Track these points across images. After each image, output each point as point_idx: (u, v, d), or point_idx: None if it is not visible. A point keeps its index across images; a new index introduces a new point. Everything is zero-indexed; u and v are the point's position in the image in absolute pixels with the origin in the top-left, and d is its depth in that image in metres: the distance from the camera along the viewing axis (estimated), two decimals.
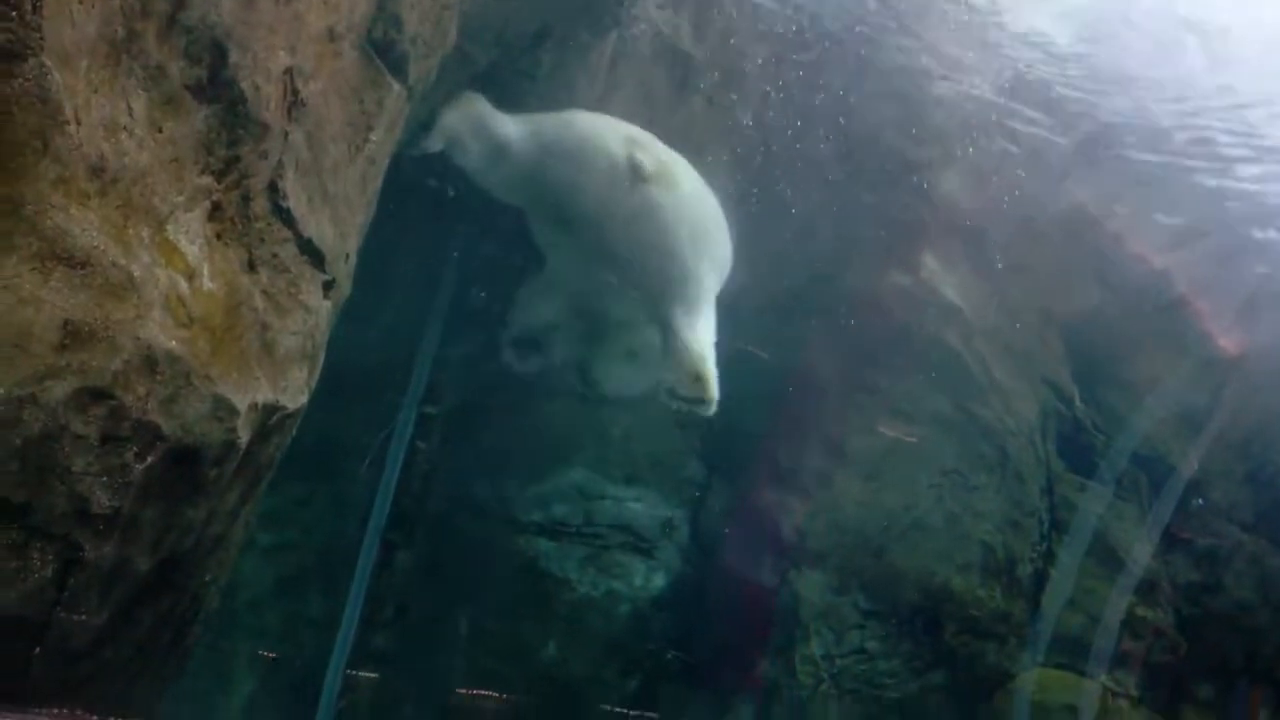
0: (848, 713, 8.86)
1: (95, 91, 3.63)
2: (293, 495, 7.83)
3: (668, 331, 7.22)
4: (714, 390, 7.12)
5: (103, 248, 3.62)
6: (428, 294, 8.19)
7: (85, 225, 3.57)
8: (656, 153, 7.32)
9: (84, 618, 3.96)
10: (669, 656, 8.64)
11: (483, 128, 6.97)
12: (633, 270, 7.45)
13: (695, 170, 7.65)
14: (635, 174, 7.15)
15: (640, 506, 8.67)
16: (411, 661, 8.22)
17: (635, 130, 7.43)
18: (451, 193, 7.42)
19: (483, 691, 8.34)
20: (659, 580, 8.63)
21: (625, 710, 8.48)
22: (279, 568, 8.11)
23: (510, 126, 7.06)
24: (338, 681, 7.83)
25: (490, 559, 8.39)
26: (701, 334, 7.18)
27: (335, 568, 8.06)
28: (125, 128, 3.78)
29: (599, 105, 7.74)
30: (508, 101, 7.23)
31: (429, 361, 8.21)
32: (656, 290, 7.36)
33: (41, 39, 3.38)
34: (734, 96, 8.72)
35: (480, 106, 6.96)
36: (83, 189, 3.58)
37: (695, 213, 7.42)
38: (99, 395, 3.63)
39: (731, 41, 8.62)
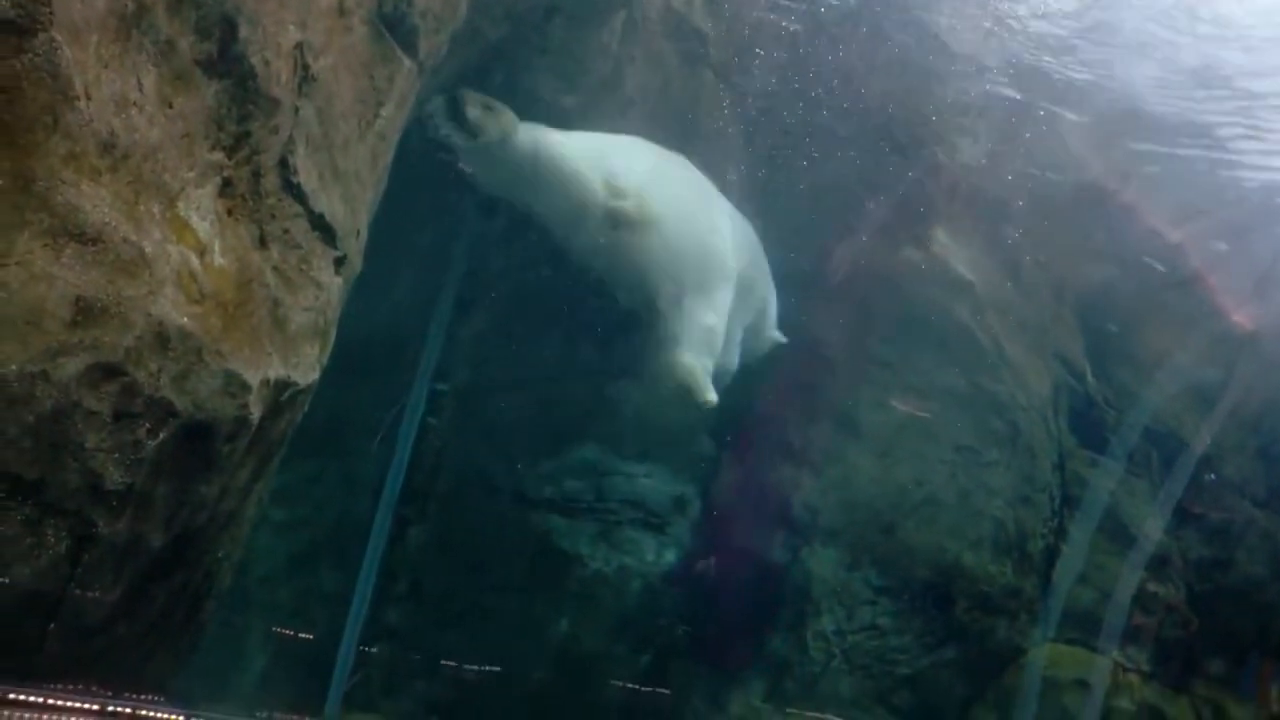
0: (859, 688, 8.87)
1: (105, 67, 3.62)
2: (305, 472, 7.84)
3: (655, 347, 7.63)
4: (704, 395, 7.50)
5: (114, 224, 3.61)
6: (439, 270, 8.17)
7: (96, 201, 3.56)
8: (640, 192, 7.46)
9: (97, 593, 3.98)
10: (680, 632, 8.65)
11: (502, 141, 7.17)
12: (619, 290, 7.86)
13: (692, 175, 7.82)
14: (612, 222, 7.38)
15: (651, 482, 8.67)
16: (424, 637, 8.24)
17: (626, 157, 7.59)
18: (464, 168, 7.41)
19: (494, 667, 8.37)
20: (670, 556, 8.64)
21: (637, 686, 8.50)
22: (292, 544, 8.13)
23: (520, 139, 7.23)
24: (350, 657, 7.87)
25: (502, 535, 8.40)
26: (684, 350, 7.51)
27: (348, 544, 8.08)
28: (135, 103, 3.77)
29: (610, 79, 7.72)
30: (519, 76, 7.21)
31: (440, 338, 8.20)
32: (642, 310, 7.76)
33: (51, 14, 3.37)
34: (744, 72, 8.68)
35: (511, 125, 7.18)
36: (93, 165, 3.57)
37: (678, 243, 7.62)
38: (111, 372, 3.63)
39: (743, 16, 8.57)
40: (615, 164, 7.54)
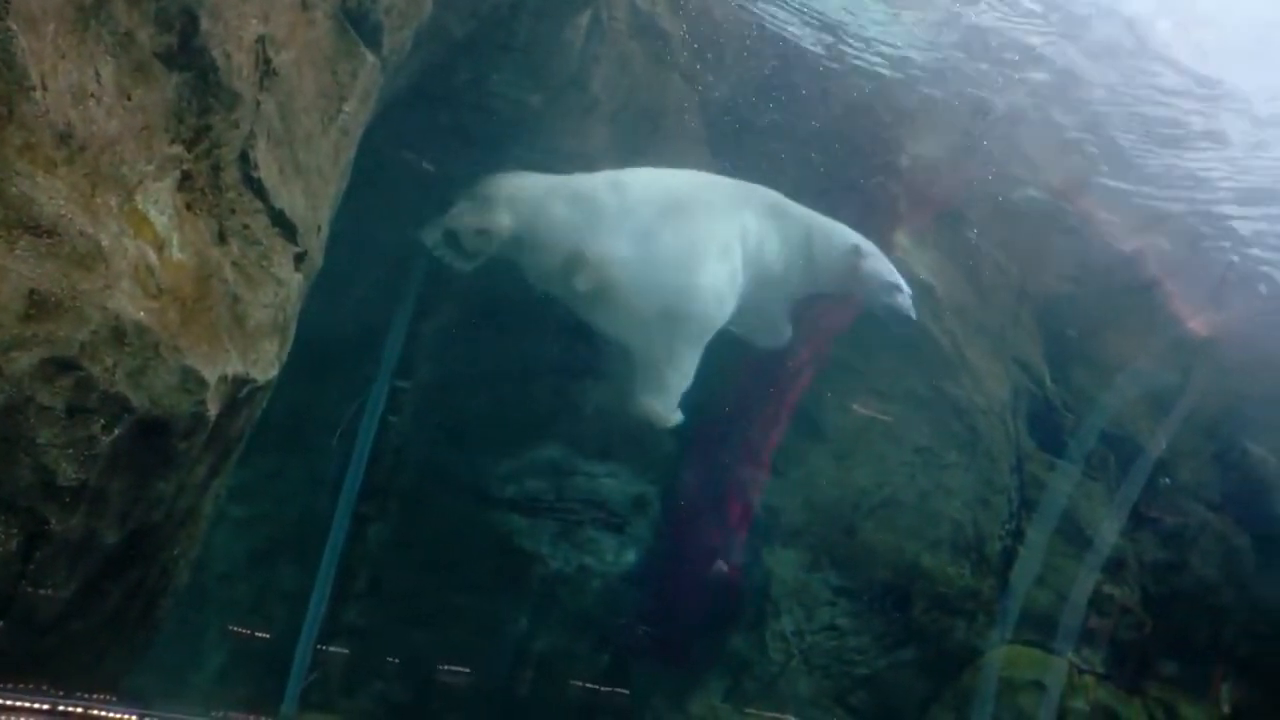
0: (817, 688, 8.91)
1: (62, 57, 3.58)
2: (265, 468, 7.78)
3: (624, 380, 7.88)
4: (667, 424, 7.84)
5: (70, 216, 3.57)
6: (401, 267, 8.14)
7: (52, 193, 3.52)
8: (602, 262, 7.56)
9: (50, 591, 3.94)
10: (640, 632, 8.66)
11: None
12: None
13: (692, 215, 7.88)
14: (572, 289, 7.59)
15: (613, 482, 8.67)
16: (383, 636, 8.20)
17: (612, 216, 7.65)
18: (427, 166, 7.40)
19: (454, 666, 8.35)
20: (630, 556, 8.64)
21: (597, 686, 8.50)
22: (251, 541, 8.07)
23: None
24: (308, 655, 7.82)
25: (463, 533, 8.37)
26: (650, 399, 7.77)
27: (307, 541, 8.04)
28: (93, 95, 3.73)
29: (576, 78, 7.72)
30: (484, 73, 7.20)
31: (401, 335, 8.17)
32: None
33: (7, 3, 3.32)
34: (710, 74, 8.70)
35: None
36: (49, 156, 3.53)
37: (646, 307, 7.67)
38: (65, 366, 3.59)
39: (709, 18, 8.60)
40: (590, 232, 7.61)
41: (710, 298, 7.81)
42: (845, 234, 8.48)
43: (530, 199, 7.56)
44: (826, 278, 8.48)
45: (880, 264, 8.49)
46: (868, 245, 8.48)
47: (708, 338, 7.84)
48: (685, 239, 7.80)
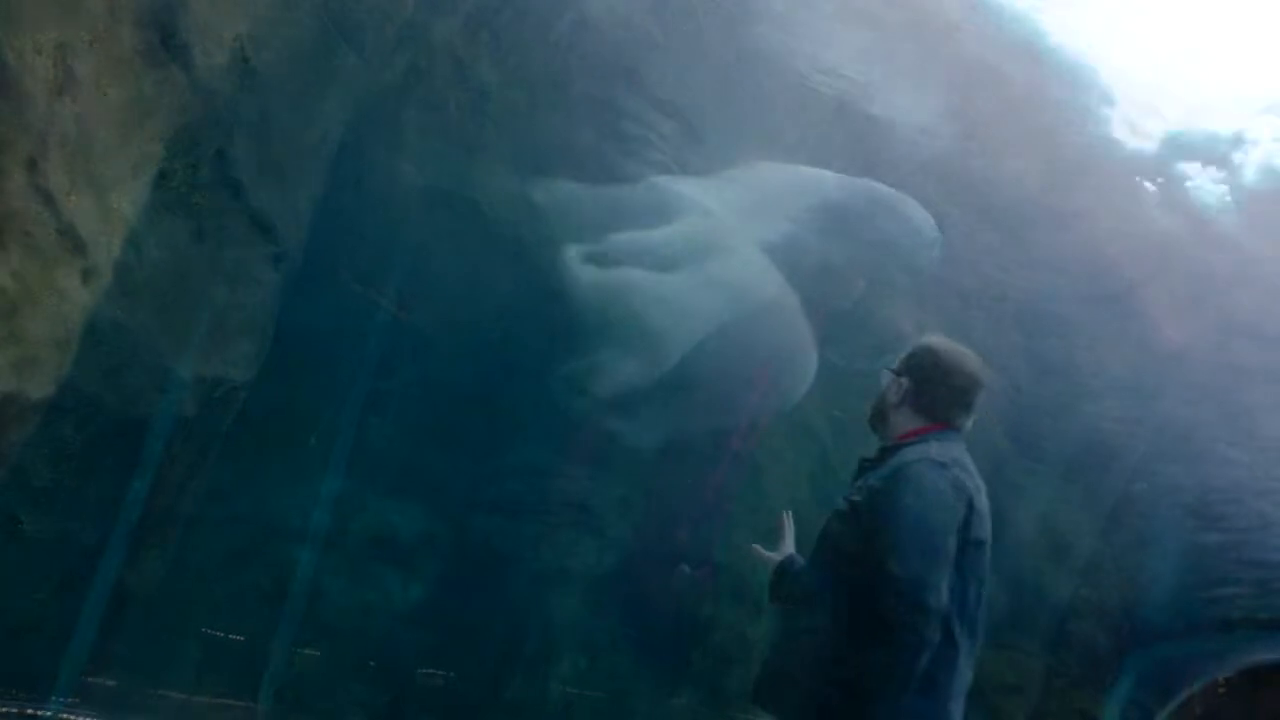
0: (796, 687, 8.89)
1: (40, 54, 3.55)
2: (243, 468, 7.73)
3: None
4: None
5: (47, 214, 3.54)
6: (383, 266, 8.11)
7: (29, 191, 3.49)
8: (615, 260, 7.81)
9: (23, 592, 3.91)
10: (619, 633, 8.65)
11: None
12: None
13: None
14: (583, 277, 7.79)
15: (593, 484, 8.65)
16: (361, 637, 8.17)
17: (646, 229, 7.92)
18: (407, 165, 7.37)
19: (432, 668, 8.33)
20: (610, 558, 8.63)
21: (578, 690, 8.49)
22: (228, 541, 8.02)
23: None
24: (284, 656, 7.79)
25: (443, 535, 8.35)
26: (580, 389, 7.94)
27: (284, 541, 7.99)
28: (71, 93, 3.70)
29: (559, 79, 7.71)
30: (466, 72, 7.18)
31: (383, 335, 8.14)
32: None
33: None
34: (689, 74, 8.69)
35: None
36: (27, 154, 3.50)
37: (627, 313, 7.88)
38: (40, 365, 3.56)
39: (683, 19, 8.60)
40: (615, 237, 7.82)
41: (686, 326, 7.94)
42: (928, 223, 8.53)
43: (575, 197, 7.74)
44: (899, 262, 8.55)
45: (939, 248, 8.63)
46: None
47: (668, 360, 7.98)
48: (696, 259, 7.96)
